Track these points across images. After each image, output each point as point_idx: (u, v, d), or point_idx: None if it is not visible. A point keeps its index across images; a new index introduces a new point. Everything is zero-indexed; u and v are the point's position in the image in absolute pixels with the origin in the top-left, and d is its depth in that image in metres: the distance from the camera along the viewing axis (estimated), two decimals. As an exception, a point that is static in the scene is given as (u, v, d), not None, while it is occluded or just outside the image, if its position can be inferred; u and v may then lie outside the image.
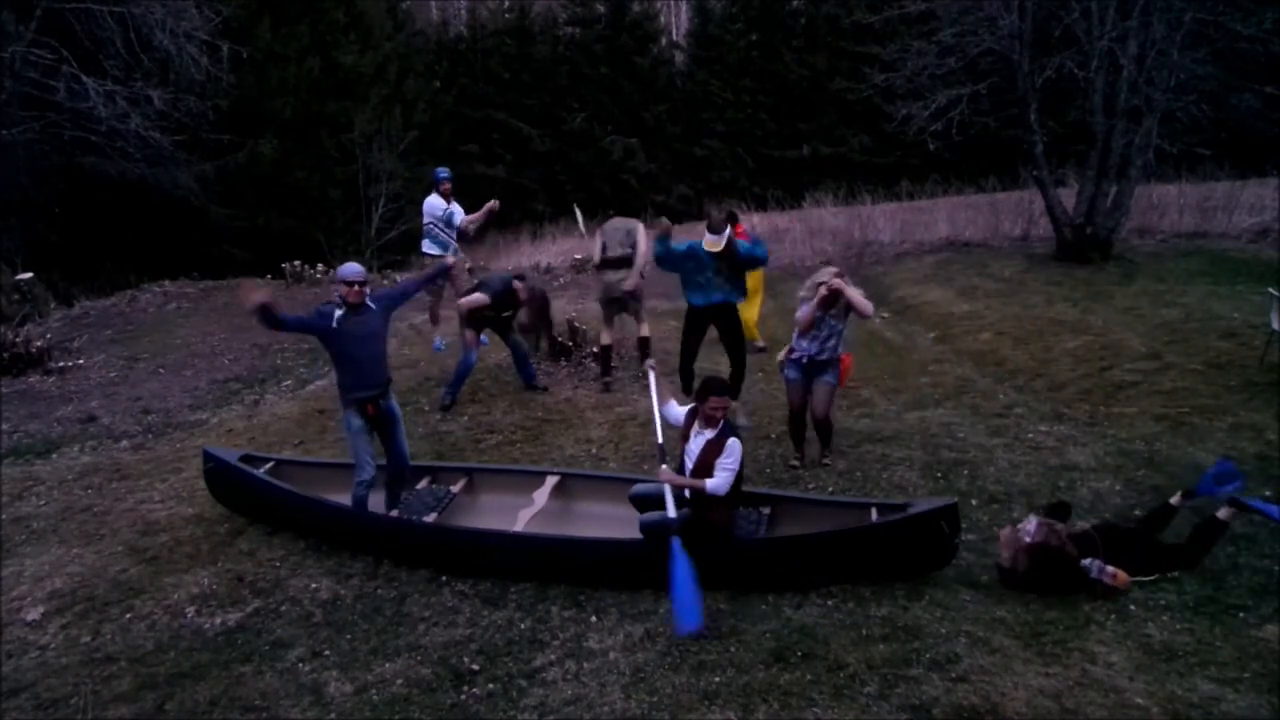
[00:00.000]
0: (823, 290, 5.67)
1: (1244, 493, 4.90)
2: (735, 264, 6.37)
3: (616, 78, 27.07)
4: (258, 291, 4.85)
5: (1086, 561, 4.50)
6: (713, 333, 6.73)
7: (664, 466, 4.75)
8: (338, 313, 5.08)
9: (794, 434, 6.14)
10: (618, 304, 7.48)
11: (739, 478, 4.64)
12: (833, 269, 5.90)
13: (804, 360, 5.85)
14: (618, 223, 7.53)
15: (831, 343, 5.78)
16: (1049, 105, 12.00)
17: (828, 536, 4.65)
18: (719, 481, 4.54)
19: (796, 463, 6.12)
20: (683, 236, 7.13)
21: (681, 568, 4.34)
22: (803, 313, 5.79)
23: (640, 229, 7.48)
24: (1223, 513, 4.68)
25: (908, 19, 14.25)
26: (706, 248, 6.24)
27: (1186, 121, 10.75)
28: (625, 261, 7.30)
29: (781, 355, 6.12)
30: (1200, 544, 4.62)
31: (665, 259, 6.36)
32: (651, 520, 4.72)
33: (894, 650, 4.01)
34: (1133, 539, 4.70)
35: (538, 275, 12.92)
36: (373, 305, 5.18)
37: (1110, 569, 4.45)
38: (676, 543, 4.44)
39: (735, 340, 6.63)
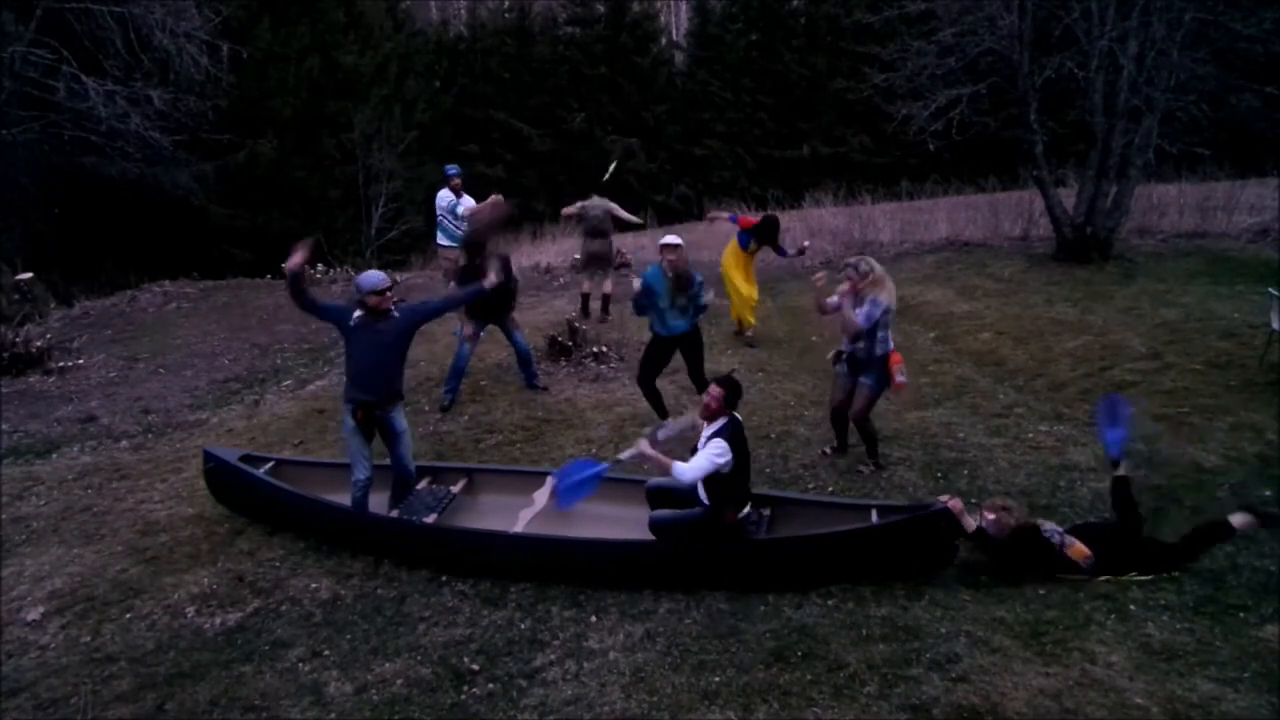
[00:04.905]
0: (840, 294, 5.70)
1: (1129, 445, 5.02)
2: (687, 291, 6.46)
3: (616, 78, 27.06)
4: (299, 252, 4.98)
5: (1047, 529, 4.60)
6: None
7: (644, 440, 4.76)
8: (357, 313, 5.14)
9: (834, 425, 6.13)
10: (597, 263, 9.52)
11: (731, 477, 4.59)
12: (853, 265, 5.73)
13: (846, 355, 5.81)
14: (596, 202, 9.38)
15: (861, 343, 5.65)
16: (1049, 105, 11.97)
17: (828, 537, 4.66)
18: (686, 466, 4.53)
19: (829, 450, 6.13)
20: (682, 235, 7.16)
21: (590, 471, 4.78)
22: (833, 302, 5.75)
23: (611, 206, 9.45)
24: (1237, 519, 4.58)
25: (908, 19, 14.22)
26: (662, 244, 6.52)
27: (1186, 121, 10.73)
28: (603, 232, 9.34)
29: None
30: (1197, 544, 4.60)
31: (641, 306, 6.60)
32: (662, 518, 4.72)
33: (894, 650, 4.01)
34: (1113, 533, 4.71)
35: (538, 275, 12.92)
36: (396, 315, 5.19)
37: (1070, 538, 4.55)
38: (605, 467, 4.85)
39: (697, 364, 6.76)
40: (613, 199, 9.60)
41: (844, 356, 5.83)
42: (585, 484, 4.75)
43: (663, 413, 6.76)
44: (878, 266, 5.71)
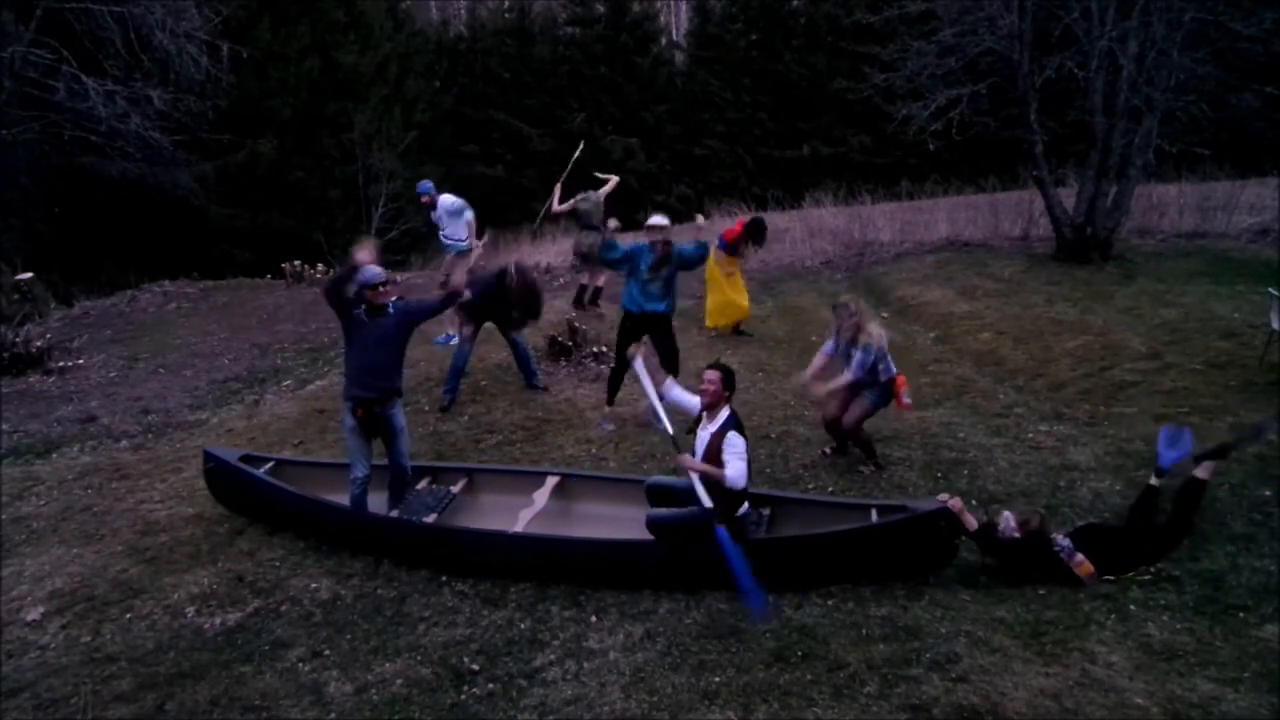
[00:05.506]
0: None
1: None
2: (674, 265, 6.50)
3: (616, 78, 27.05)
4: (365, 249, 5.08)
5: (1061, 542, 4.57)
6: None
7: (686, 455, 4.65)
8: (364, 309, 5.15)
9: (830, 432, 6.12)
10: (589, 257, 9.76)
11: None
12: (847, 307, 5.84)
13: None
14: (583, 197, 9.84)
15: (863, 371, 5.68)
16: (1049, 105, 11.98)
17: (828, 537, 4.65)
18: (734, 472, 4.46)
19: (829, 450, 6.14)
20: (680, 236, 7.17)
21: (736, 555, 4.33)
22: (818, 362, 5.87)
23: (601, 195, 9.94)
24: (1200, 470, 4.70)
25: (908, 19, 14.22)
26: (649, 224, 6.56)
27: (1186, 121, 10.74)
28: (595, 226, 9.54)
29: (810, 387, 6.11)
30: (1185, 509, 4.65)
31: (610, 259, 6.74)
32: (659, 517, 4.70)
33: (894, 650, 4.00)
34: (1116, 536, 4.71)
35: (537, 274, 12.91)
36: (391, 311, 5.19)
37: (1079, 556, 4.52)
38: (723, 531, 4.43)
39: (670, 350, 6.69)
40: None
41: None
42: (744, 573, 4.37)
43: (611, 398, 6.91)
44: (864, 307, 5.86)
